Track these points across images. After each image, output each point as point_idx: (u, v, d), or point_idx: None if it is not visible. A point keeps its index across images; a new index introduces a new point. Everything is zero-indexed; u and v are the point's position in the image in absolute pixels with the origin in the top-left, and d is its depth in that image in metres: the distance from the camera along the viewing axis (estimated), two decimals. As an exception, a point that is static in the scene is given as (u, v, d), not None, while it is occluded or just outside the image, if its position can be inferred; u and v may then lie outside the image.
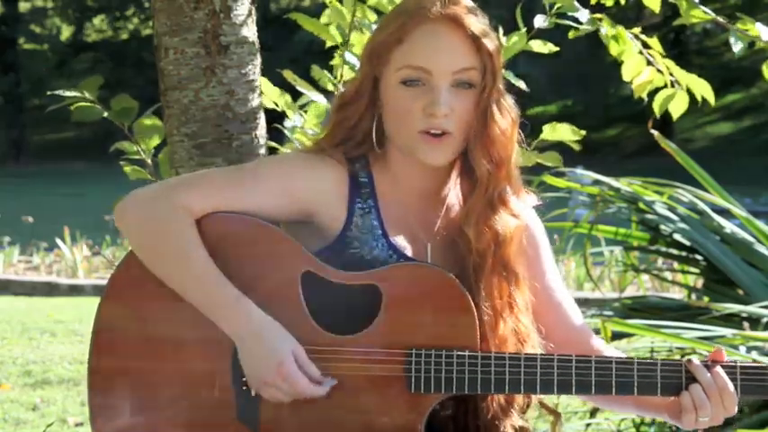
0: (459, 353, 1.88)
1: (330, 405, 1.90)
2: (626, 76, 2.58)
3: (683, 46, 23.21)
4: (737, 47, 2.44)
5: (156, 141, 2.48)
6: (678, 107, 2.58)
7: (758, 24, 2.46)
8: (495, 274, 1.95)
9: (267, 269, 1.92)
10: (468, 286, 1.92)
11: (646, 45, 2.57)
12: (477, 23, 1.94)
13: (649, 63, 2.58)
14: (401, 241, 1.98)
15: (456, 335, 1.89)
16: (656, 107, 2.59)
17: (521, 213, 1.99)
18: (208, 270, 1.90)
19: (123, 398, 1.94)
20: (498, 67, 1.96)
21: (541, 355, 1.90)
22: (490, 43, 1.94)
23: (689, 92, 2.58)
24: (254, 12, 2.41)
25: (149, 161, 2.50)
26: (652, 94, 2.60)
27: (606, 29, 2.52)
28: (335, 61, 2.46)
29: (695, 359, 1.90)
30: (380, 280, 1.90)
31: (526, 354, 1.91)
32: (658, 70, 2.57)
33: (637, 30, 2.57)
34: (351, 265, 1.93)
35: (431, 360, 1.88)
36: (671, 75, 2.57)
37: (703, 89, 2.56)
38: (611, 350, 2.04)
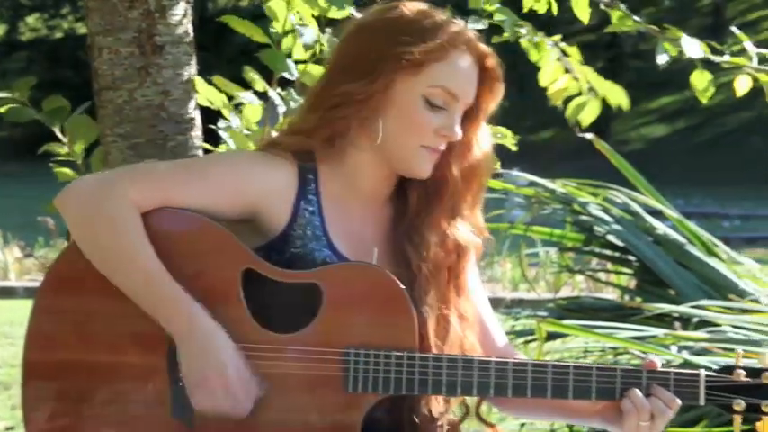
0: (398, 353, 1.89)
1: (267, 403, 1.90)
2: (542, 83, 2.64)
3: (618, 48, 23.50)
4: (662, 59, 2.50)
5: (86, 143, 2.46)
6: (589, 115, 2.66)
7: (685, 38, 2.51)
8: (447, 284, 1.97)
9: (208, 266, 1.92)
10: (418, 294, 1.93)
11: (565, 53, 2.62)
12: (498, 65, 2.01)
13: (567, 71, 2.63)
14: (343, 242, 1.98)
15: (395, 336, 1.90)
16: (569, 114, 2.66)
17: (477, 229, 2.02)
18: (154, 268, 1.88)
19: (57, 392, 1.93)
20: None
21: (478, 357, 1.91)
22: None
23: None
24: (190, 12, 2.40)
25: (80, 162, 2.47)
26: (568, 100, 2.66)
27: (528, 36, 2.57)
28: (266, 60, 2.45)
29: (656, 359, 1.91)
30: (321, 279, 1.90)
31: (463, 356, 1.91)
32: (575, 78, 2.62)
33: (557, 37, 2.62)
34: (292, 264, 1.93)
35: (369, 360, 1.89)
36: (588, 82, 2.62)
37: (618, 97, 2.63)
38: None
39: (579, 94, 2.65)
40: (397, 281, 1.90)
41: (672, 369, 1.90)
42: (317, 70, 2.43)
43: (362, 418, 1.90)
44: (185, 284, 1.89)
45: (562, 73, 2.63)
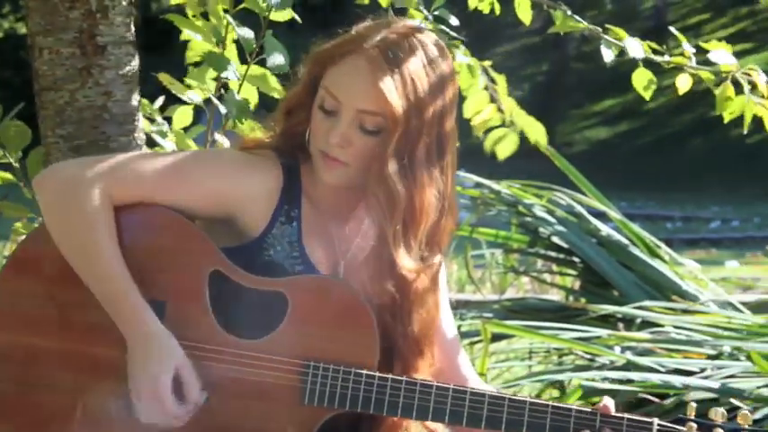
0: (357, 371, 1.88)
1: (221, 408, 1.89)
2: (467, 114, 2.66)
3: (562, 51, 23.71)
4: (608, 56, 2.52)
5: (19, 148, 2.43)
6: (506, 148, 2.70)
7: (628, 39, 2.54)
8: (415, 304, 1.95)
9: (177, 264, 1.91)
10: (388, 314, 1.92)
11: (493, 81, 2.65)
12: (405, 73, 1.88)
13: (493, 100, 2.66)
14: (316, 253, 1.97)
15: (356, 352, 1.89)
16: (487, 145, 2.70)
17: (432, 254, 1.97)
18: (114, 267, 1.87)
19: (10, 375, 1.92)
20: (424, 121, 1.89)
21: (437, 383, 1.90)
22: (404, 100, 1.88)
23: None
24: (132, 12, 2.37)
25: (16, 165, 2.44)
26: (489, 131, 2.71)
27: (461, 57, 2.61)
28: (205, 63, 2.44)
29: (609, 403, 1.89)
30: (288, 288, 1.89)
31: (422, 380, 1.91)
32: (500, 109, 2.65)
33: (488, 63, 2.65)
34: (262, 270, 1.92)
35: (328, 374, 1.88)
36: (510, 115, 2.68)
37: (537, 133, 2.67)
38: (487, 386, 2.05)
39: (501, 124, 2.68)
40: (362, 298, 1.90)
41: (626, 415, 1.88)
42: (258, 71, 2.42)
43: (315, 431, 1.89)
44: (153, 280, 1.89)
45: (487, 103, 2.66)
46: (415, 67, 1.90)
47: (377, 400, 1.88)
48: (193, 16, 2.45)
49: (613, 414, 1.89)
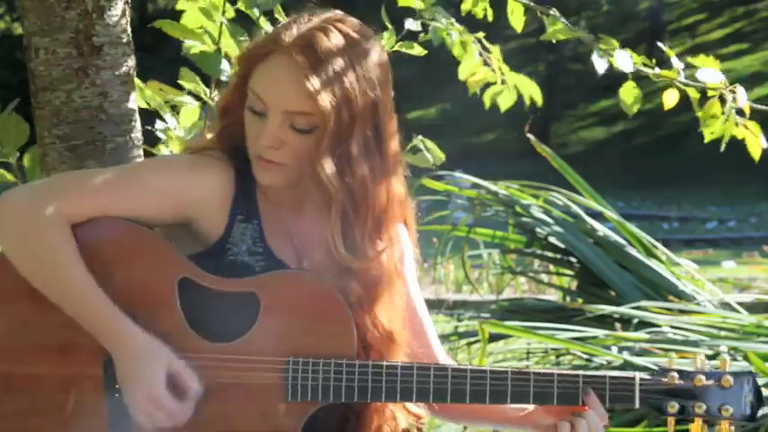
0: (337, 361, 1.87)
1: (205, 413, 1.87)
2: (461, 75, 2.69)
3: (558, 52, 23.72)
4: (601, 66, 2.54)
5: (17, 144, 2.42)
6: (506, 101, 2.73)
7: (618, 52, 2.54)
8: (378, 295, 1.93)
9: (144, 276, 1.89)
10: (354, 308, 1.90)
11: (487, 49, 2.68)
12: (329, 68, 1.83)
13: (486, 64, 2.69)
14: (280, 250, 1.96)
15: (333, 343, 1.88)
16: (486, 99, 2.72)
17: (394, 240, 1.95)
18: (86, 286, 1.85)
19: None
20: (355, 113, 1.85)
21: (418, 364, 1.90)
22: (330, 95, 1.83)
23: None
24: (128, 12, 2.37)
25: (14, 163, 2.43)
26: (485, 89, 2.75)
27: (455, 35, 2.61)
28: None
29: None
30: (258, 287, 1.88)
31: (403, 363, 1.90)
32: (493, 70, 2.70)
33: (481, 34, 2.67)
34: (228, 272, 1.90)
35: (308, 368, 1.87)
36: (502, 74, 2.71)
37: (532, 90, 2.69)
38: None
39: (496, 82, 2.72)
40: (333, 289, 1.88)
41: (607, 373, 1.91)
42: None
43: (302, 426, 1.88)
44: (120, 295, 1.86)
45: (481, 66, 2.68)
46: (338, 59, 1.85)
47: (360, 388, 1.87)
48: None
49: (595, 374, 1.90)
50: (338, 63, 1.86)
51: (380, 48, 1.94)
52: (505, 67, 2.70)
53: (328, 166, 1.86)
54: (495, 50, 2.68)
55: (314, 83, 1.83)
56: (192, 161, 1.96)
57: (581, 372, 1.91)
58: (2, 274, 1.90)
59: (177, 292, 1.88)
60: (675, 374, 1.88)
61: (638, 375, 1.89)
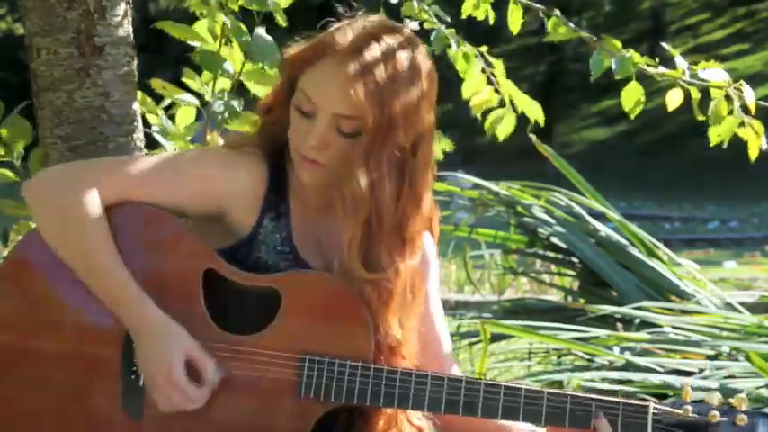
0: (353, 363, 1.88)
1: (218, 403, 1.90)
2: (465, 95, 2.67)
3: (560, 52, 23.72)
4: (596, 71, 2.53)
5: (23, 144, 2.43)
6: (505, 128, 2.68)
7: (616, 56, 2.53)
8: (391, 308, 1.93)
9: (170, 263, 1.92)
10: (372, 313, 1.91)
11: (490, 64, 2.66)
12: (377, 76, 1.87)
13: (490, 82, 2.65)
14: (307, 251, 1.98)
15: (350, 346, 1.90)
16: (487, 126, 2.68)
17: (421, 250, 1.97)
18: (112, 265, 1.89)
19: (5, 376, 1.92)
20: (396, 122, 1.88)
21: (432, 372, 1.90)
22: (375, 104, 1.87)
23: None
24: (129, 12, 2.37)
25: (18, 164, 2.44)
26: (487, 113, 2.70)
27: (456, 47, 2.60)
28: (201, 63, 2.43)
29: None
30: (281, 284, 1.91)
31: (417, 370, 1.91)
32: (496, 90, 2.66)
33: (484, 48, 2.65)
34: (255, 267, 1.94)
35: (323, 368, 1.89)
36: (508, 95, 2.66)
37: (536, 113, 2.67)
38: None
39: (499, 106, 2.68)
40: (355, 293, 1.90)
41: (621, 400, 1.89)
42: (253, 67, 2.42)
43: (311, 427, 1.89)
44: (145, 278, 1.90)
45: (485, 85, 2.66)
46: (386, 69, 1.89)
47: (373, 391, 1.88)
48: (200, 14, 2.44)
49: (608, 399, 1.88)
50: (386, 73, 1.89)
51: (426, 55, 1.97)
52: (508, 83, 2.67)
53: (362, 177, 1.89)
54: (499, 65, 2.67)
55: (360, 90, 1.86)
56: (226, 154, 1.99)
57: (594, 395, 1.89)
58: (29, 248, 1.94)
59: (202, 282, 1.90)
60: (690, 407, 1.86)
61: (653, 405, 1.87)
